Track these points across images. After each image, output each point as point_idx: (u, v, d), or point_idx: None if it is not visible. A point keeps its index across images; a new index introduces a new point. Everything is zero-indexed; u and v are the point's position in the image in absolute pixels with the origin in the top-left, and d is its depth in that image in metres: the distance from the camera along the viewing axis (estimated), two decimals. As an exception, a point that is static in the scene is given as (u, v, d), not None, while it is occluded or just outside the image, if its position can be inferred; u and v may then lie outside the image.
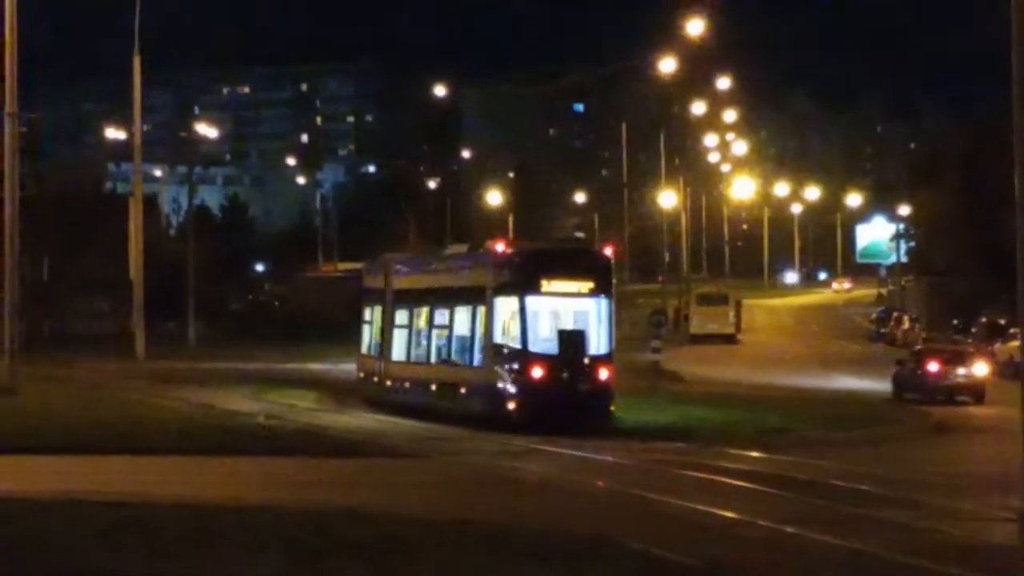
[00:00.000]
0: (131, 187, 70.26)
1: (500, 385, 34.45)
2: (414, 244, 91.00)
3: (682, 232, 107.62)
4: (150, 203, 78.70)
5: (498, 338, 34.86)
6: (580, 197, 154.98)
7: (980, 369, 48.32)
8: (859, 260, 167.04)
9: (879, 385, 51.14)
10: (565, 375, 34.06)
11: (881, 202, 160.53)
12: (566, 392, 33.91)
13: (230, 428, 33.09)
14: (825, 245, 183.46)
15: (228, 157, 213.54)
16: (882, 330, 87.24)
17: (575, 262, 37.01)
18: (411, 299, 40.03)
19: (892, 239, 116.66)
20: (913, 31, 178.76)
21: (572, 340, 34.37)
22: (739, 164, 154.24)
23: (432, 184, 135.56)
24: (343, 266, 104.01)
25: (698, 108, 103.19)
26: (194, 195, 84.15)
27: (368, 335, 42.86)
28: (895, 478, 26.85)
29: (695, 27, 77.31)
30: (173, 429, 31.73)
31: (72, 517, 19.38)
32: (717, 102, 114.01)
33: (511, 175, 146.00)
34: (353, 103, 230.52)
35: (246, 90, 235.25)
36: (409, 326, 39.78)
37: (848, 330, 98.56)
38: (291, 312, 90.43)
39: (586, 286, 35.12)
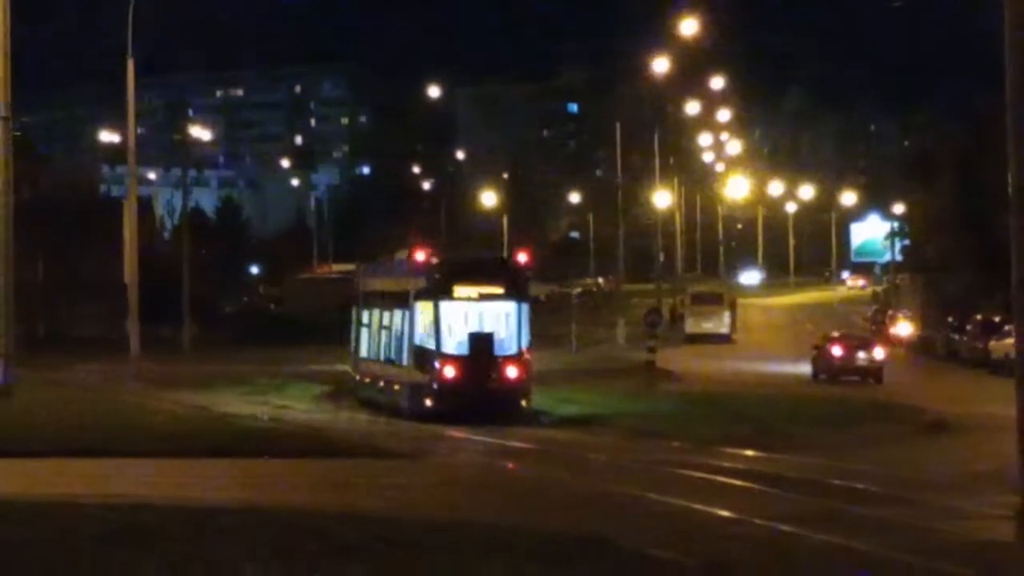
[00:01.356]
0: (125, 190, 70.15)
1: (420, 382, 37.49)
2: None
3: (676, 232, 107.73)
4: (144, 206, 78.36)
5: (419, 340, 37.90)
6: (575, 197, 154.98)
7: (879, 353, 55.62)
8: (854, 258, 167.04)
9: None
10: (475, 373, 36.98)
11: (875, 200, 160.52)
12: (476, 388, 36.83)
13: (224, 430, 33.08)
14: (820, 243, 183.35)
15: (222, 160, 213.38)
16: (876, 327, 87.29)
17: (487, 270, 39.79)
18: (370, 302, 43.29)
19: (886, 237, 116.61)
20: (906, 29, 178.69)
21: (481, 342, 37.34)
22: (733, 163, 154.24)
23: (427, 185, 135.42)
24: (338, 268, 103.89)
25: (692, 108, 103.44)
26: (188, 198, 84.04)
27: (352, 335, 45.27)
28: (889, 476, 26.86)
29: (688, 27, 77.43)
30: (168, 431, 31.73)
31: (69, 520, 19.35)
32: (711, 101, 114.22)
33: (505, 176, 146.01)
34: (347, 105, 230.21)
35: (240, 92, 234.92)
36: (368, 327, 43.00)
37: (843, 328, 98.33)
38: (286, 314, 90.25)
39: (498, 291, 37.95)
